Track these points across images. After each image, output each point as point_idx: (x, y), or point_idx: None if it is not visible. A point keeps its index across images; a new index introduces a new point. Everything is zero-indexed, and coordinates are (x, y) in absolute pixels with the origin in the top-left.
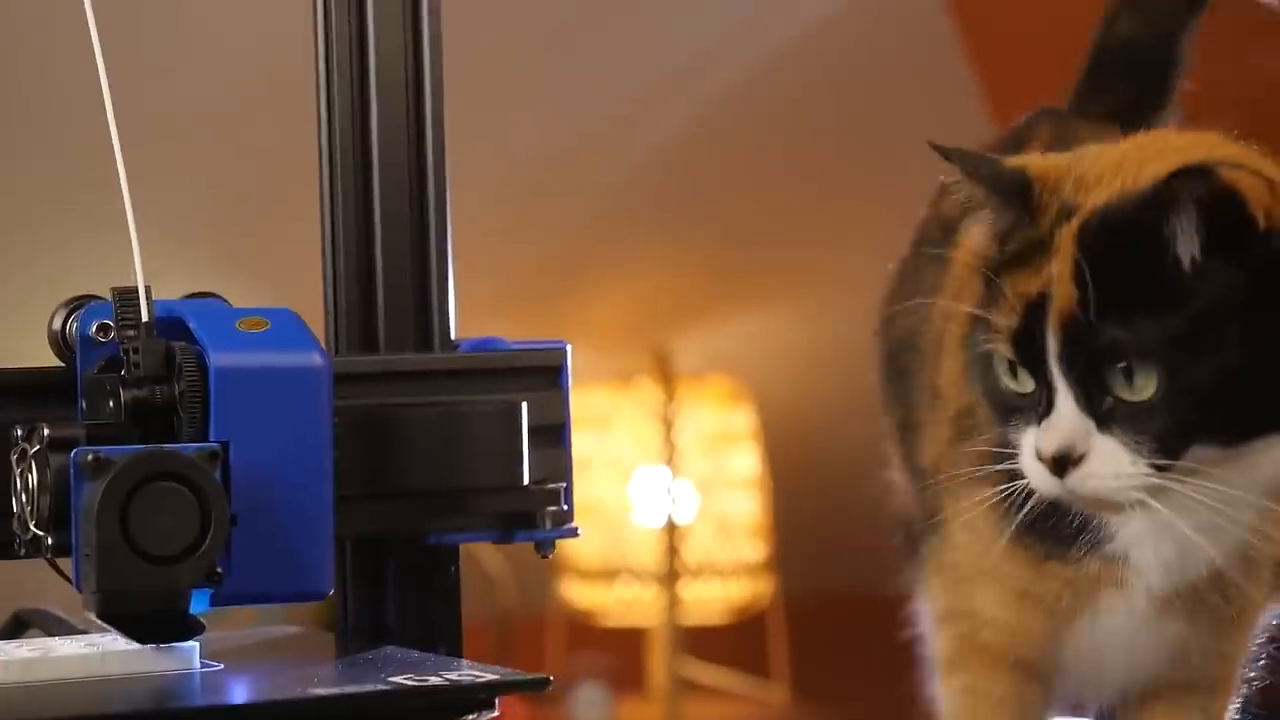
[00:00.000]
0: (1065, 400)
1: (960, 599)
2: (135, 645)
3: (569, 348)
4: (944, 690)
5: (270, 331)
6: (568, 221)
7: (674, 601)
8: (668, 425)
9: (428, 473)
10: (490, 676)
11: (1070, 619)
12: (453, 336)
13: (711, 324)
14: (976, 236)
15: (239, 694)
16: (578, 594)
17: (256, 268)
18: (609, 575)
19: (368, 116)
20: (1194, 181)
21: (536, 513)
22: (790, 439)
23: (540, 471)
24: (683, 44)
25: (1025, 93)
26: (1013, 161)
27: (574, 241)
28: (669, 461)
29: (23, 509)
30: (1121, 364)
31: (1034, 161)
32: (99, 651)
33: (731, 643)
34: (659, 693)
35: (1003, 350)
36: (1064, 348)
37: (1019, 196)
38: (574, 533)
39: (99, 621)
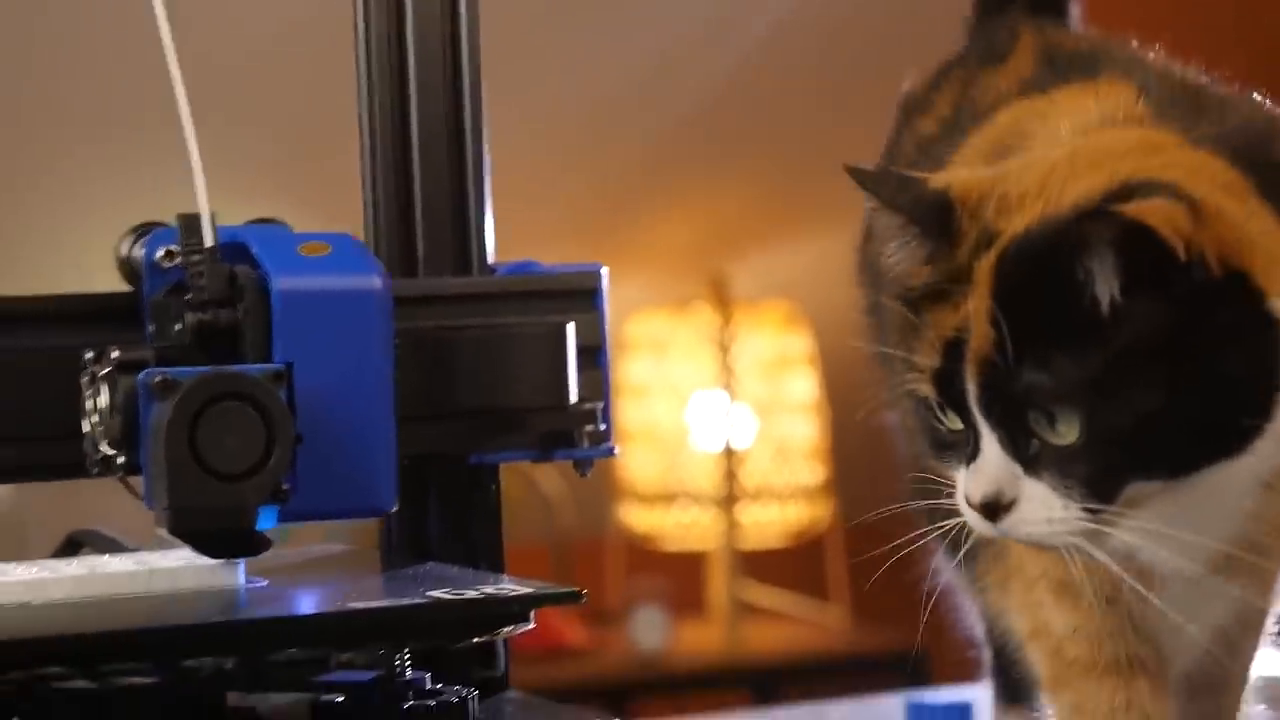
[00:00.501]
0: (990, 444)
1: (1033, 611)
2: (181, 563)
3: (605, 270)
4: (1054, 707)
5: (331, 255)
6: (627, 149)
7: (732, 525)
8: (725, 350)
9: (475, 393)
10: (525, 590)
11: (1121, 602)
12: (490, 260)
13: (768, 249)
14: (898, 262)
15: (279, 608)
16: (636, 518)
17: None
18: (667, 499)
19: (404, 45)
20: (1101, 224)
21: (575, 431)
22: (847, 363)
23: (578, 392)
24: None
25: None
26: (936, 181)
27: (633, 169)
28: (726, 386)
29: (94, 429)
30: (1042, 409)
31: (958, 180)
32: (146, 569)
33: (790, 566)
34: (718, 616)
35: (925, 390)
36: (982, 391)
37: (939, 223)
38: (611, 451)
39: (170, 537)
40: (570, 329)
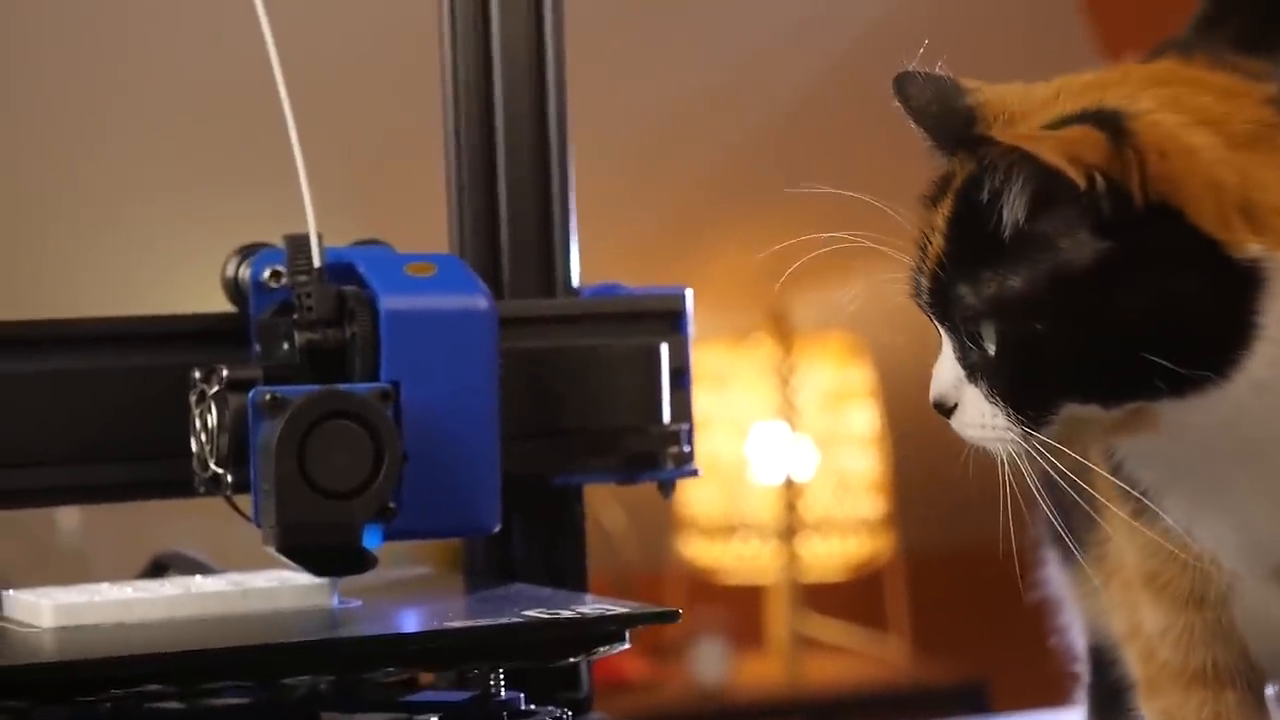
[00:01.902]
0: (945, 348)
1: (1130, 610)
2: (275, 583)
3: (689, 292)
4: (1146, 713)
5: (437, 276)
6: (689, 178)
7: (793, 558)
8: (785, 382)
9: (567, 414)
10: (621, 610)
11: (1207, 605)
12: (574, 284)
13: (830, 281)
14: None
15: (379, 627)
16: (696, 550)
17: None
18: (727, 531)
19: (490, 69)
20: (995, 151)
21: (660, 453)
22: (908, 395)
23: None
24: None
25: (1138, 33)
26: (973, 94)
27: (695, 198)
28: (787, 418)
29: (202, 448)
30: (969, 320)
31: (991, 93)
32: (240, 589)
33: (850, 599)
34: (778, 648)
35: (906, 289)
36: (932, 297)
37: (959, 132)
38: (695, 472)
39: (280, 557)
40: (664, 349)
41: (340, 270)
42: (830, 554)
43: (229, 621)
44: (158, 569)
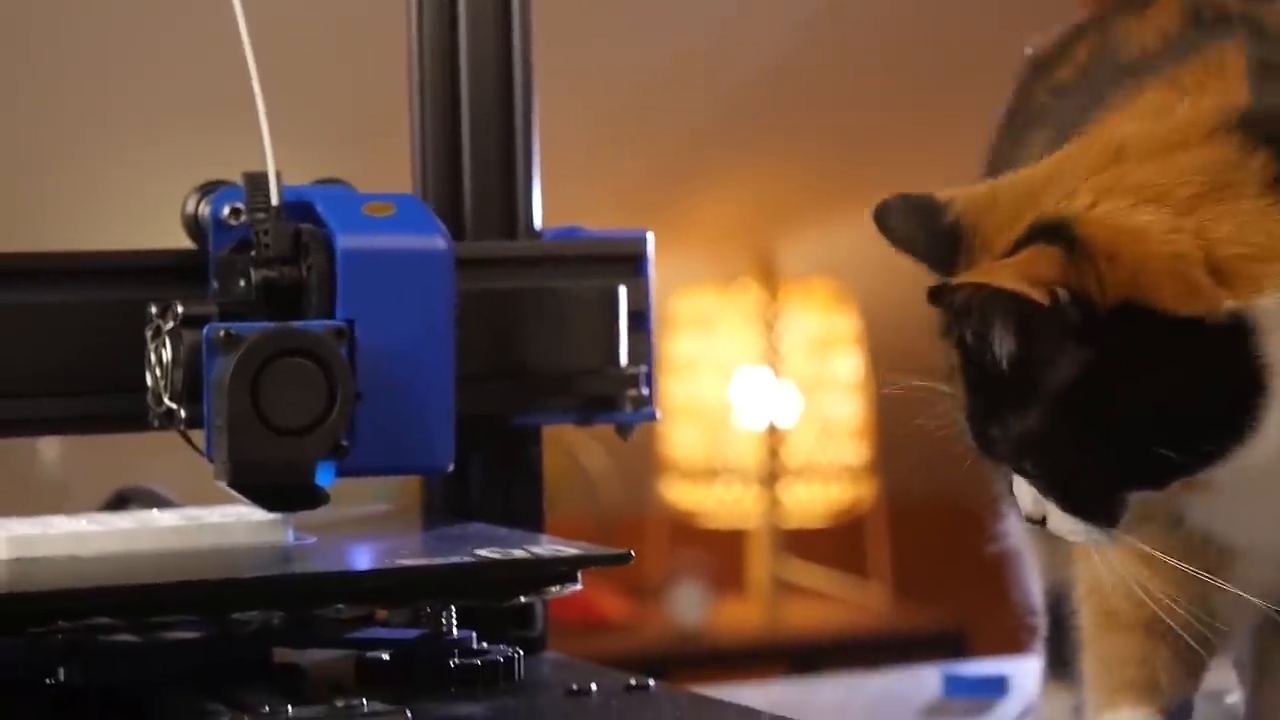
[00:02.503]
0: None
1: (1091, 563)
2: (230, 518)
3: (650, 235)
4: (1084, 662)
5: (395, 216)
6: (674, 125)
7: (774, 503)
8: (770, 327)
9: (523, 355)
10: (573, 551)
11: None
12: (537, 226)
13: (815, 227)
14: None
15: (330, 564)
16: (678, 494)
17: (351, 160)
18: (710, 475)
19: (455, 9)
20: (962, 294)
21: (619, 395)
22: (893, 343)
23: (628, 358)
24: None
25: None
26: (946, 202)
27: (680, 145)
28: (771, 364)
29: (156, 383)
30: (1009, 459)
31: (961, 201)
32: (195, 523)
33: (831, 545)
34: (758, 593)
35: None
36: (975, 442)
37: (947, 251)
38: (653, 416)
39: (230, 491)
40: (622, 292)
41: (299, 208)
42: (812, 500)
43: (183, 556)
44: (120, 502)
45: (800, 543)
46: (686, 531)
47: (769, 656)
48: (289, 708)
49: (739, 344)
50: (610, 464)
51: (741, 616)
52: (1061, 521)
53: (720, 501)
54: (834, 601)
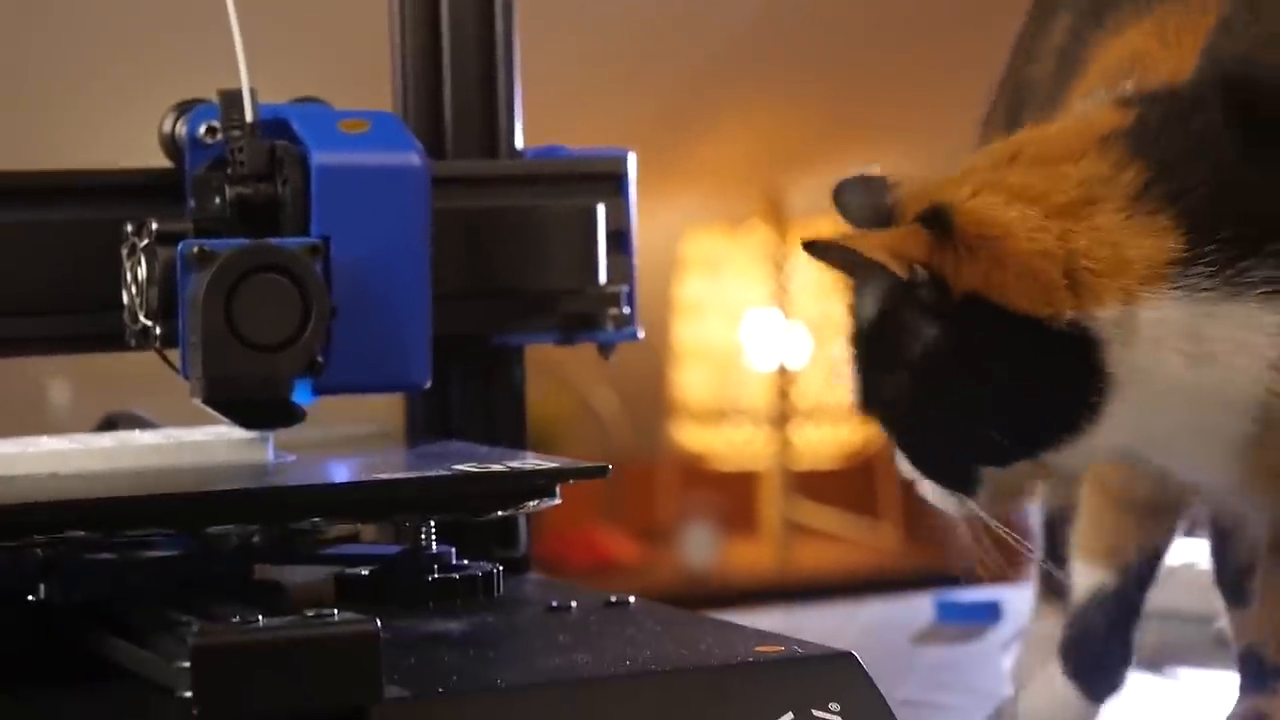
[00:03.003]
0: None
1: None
2: (211, 437)
3: (631, 154)
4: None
5: (371, 132)
6: (682, 65)
7: (785, 444)
8: (779, 268)
9: (502, 274)
10: (550, 464)
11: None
12: (518, 146)
13: (824, 167)
14: None
15: (306, 478)
16: (689, 436)
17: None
18: (720, 418)
19: None
20: (834, 252)
21: (600, 314)
22: None
23: (607, 276)
24: None
25: None
26: (893, 184)
27: (688, 85)
28: (781, 305)
29: (132, 301)
30: (876, 415)
31: (907, 186)
32: (174, 441)
33: (842, 486)
34: (769, 535)
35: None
36: (859, 398)
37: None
38: (634, 335)
39: (208, 409)
40: (600, 210)
41: (275, 126)
42: (822, 441)
43: (161, 473)
44: (108, 427)
45: (811, 484)
46: (697, 474)
47: (779, 597)
48: (259, 618)
49: (748, 285)
50: (621, 407)
51: (752, 558)
52: (926, 486)
53: (730, 443)
54: (845, 543)
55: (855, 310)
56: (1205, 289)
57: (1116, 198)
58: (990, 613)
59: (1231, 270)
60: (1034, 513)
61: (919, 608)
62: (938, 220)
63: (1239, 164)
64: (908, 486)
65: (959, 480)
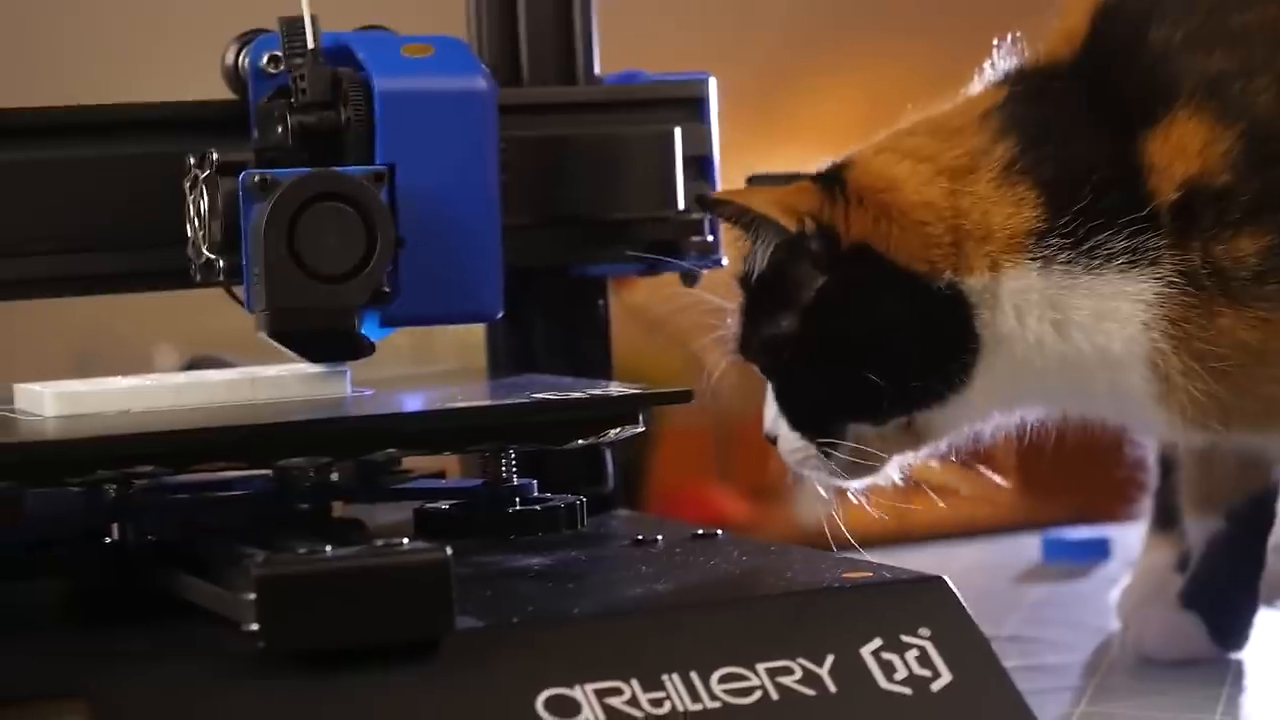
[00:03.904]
0: (769, 388)
1: None
2: (286, 372)
3: (712, 78)
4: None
5: (435, 57)
6: (786, 25)
7: None
8: None
9: (578, 202)
10: (630, 390)
11: None
12: (595, 72)
13: None
14: None
15: (376, 409)
16: None
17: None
18: None
19: None
20: (724, 207)
21: (680, 241)
22: None
23: (688, 203)
24: None
25: None
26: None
27: (792, 45)
28: None
29: (195, 235)
30: (755, 361)
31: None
32: (249, 378)
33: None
34: (882, 491)
35: None
36: (739, 345)
37: None
38: (719, 263)
39: (274, 343)
40: (677, 134)
41: (338, 54)
42: None
43: (234, 409)
44: (191, 369)
45: None
46: None
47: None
48: (326, 548)
49: None
50: (734, 369)
51: (866, 514)
52: (787, 440)
53: None
54: (959, 497)
55: (748, 261)
56: (1062, 262)
57: (991, 167)
58: (1099, 550)
59: (1090, 243)
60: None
61: (1027, 546)
62: (830, 178)
63: (1096, 137)
64: (1022, 440)
65: (826, 431)
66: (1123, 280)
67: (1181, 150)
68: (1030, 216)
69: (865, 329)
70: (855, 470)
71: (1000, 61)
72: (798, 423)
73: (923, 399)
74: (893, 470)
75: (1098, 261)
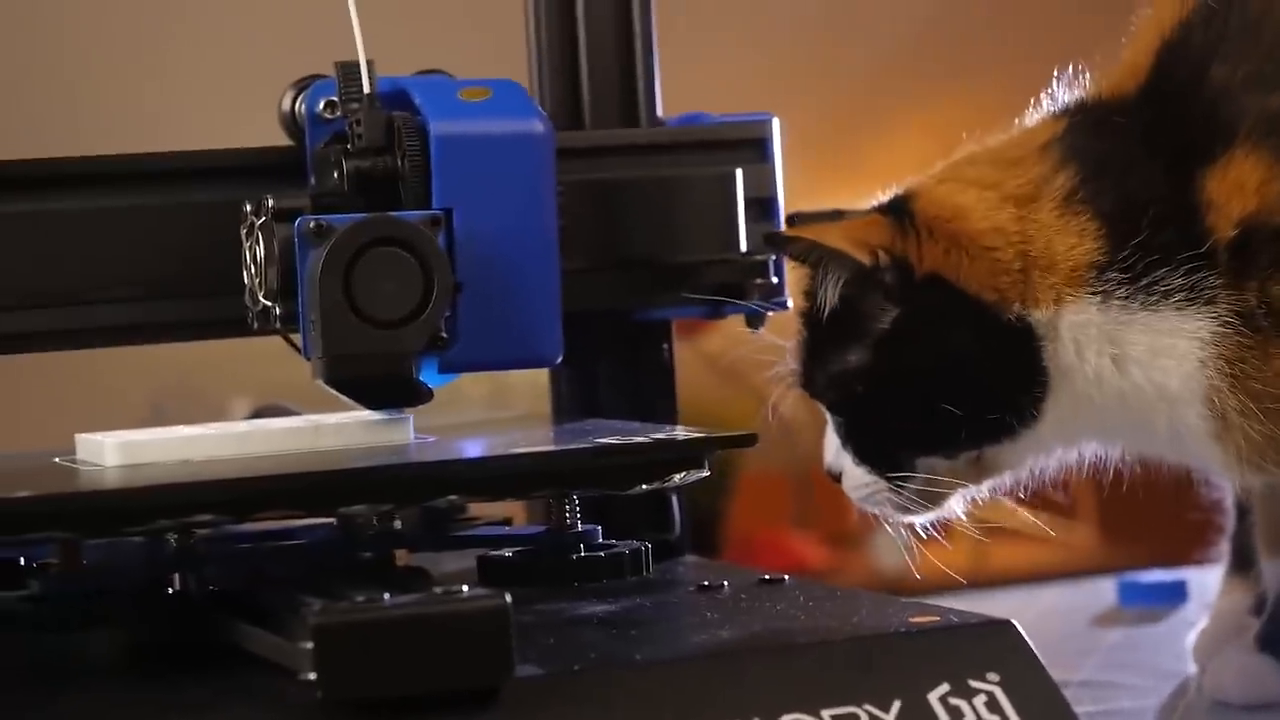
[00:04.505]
0: (829, 422)
1: None
2: (349, 420)
3: (775, 119)
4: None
5: (492, 100)
6: (855, 68)
7: None
8: None
9: (640, 245)
10: (693, 433)
11: None
12: (658, 114)
13: None
14: None
15: (437, 455)
16: None
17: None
18: None
19: None
20: (792, 244)
21: (745, 284)
22: None
23: (751, 245)
24: None
25: None
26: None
27: (861, 87)
28: None
29: (252, 282)
30: (821, 397)
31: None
32: (311, 426)
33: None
34: (961, 536)
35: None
36: (801, 381)
37: None
38: (784, 305)
39: (331, 390)
40: (738, 175)
41: (395, 98)
42: None
43: (295, 457)
44: (256, 419)
45: None
46: None
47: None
48: (385, 596)
49: None
50: (808, 412)
51: (945, 560)
52: (853, 475)
53: None
54: (1039, 542)
55: (814, 298)
56: (1121, 297)
57: (1053, 196)
58: (1175, 593)
59: (1148, 279)
60: (1225, 490)
61: (1103, 590)
62: (897, 209)
63: (1155, 172)
64: (1103, 487)
65: (897, 465)
66: (1180, 318)
67: (1240, 188)
68: (1091, 248)
69: (940, 361)
70: (923, 504)
71: (1060, 93)
72: (866, 457)
73: (996, 432)
74: (957, 503)
75: (1155, 298)
